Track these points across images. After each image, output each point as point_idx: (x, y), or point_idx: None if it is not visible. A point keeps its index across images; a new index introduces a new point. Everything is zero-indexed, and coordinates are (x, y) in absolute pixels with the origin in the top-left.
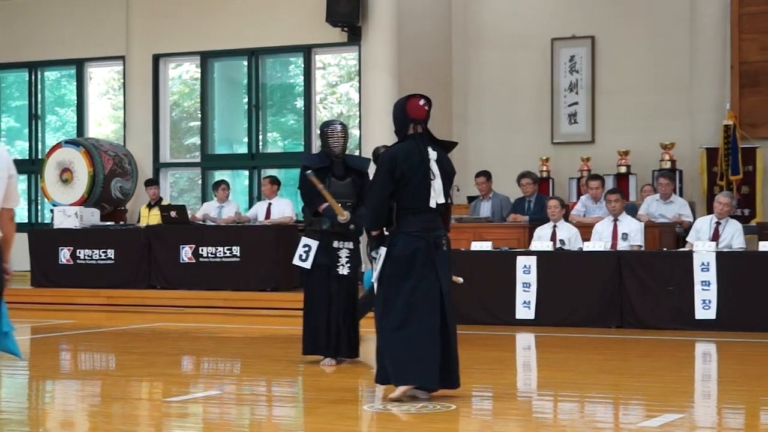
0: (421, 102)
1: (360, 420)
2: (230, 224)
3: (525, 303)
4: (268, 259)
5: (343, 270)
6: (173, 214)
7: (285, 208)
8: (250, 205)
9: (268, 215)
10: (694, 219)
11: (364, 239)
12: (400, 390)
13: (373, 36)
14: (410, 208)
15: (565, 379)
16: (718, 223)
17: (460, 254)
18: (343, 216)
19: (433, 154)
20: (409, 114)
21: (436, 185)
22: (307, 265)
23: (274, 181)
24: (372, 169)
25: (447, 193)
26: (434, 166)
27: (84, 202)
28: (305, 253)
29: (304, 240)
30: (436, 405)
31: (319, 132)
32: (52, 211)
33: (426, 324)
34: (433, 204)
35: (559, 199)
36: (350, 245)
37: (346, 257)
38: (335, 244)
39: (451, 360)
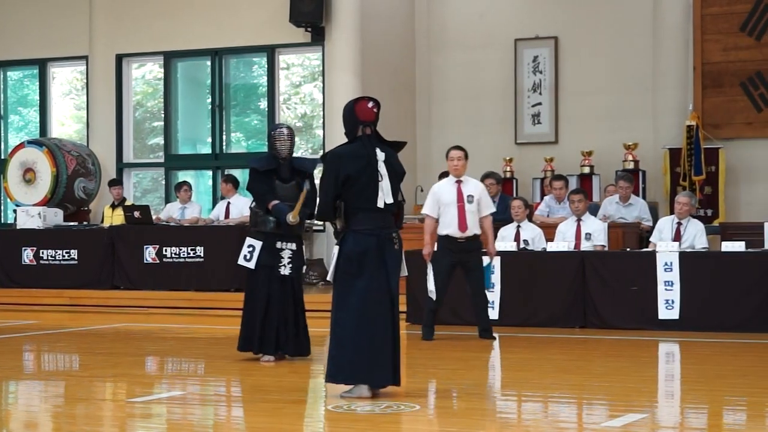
0: (370, 104)
1: (323, 420)
2: (193, 225)
3: (489, 303)
4: (231, 259)
5: (285, 270)
6: (137, 214)
7: (244, 206)
8: (214, 204)
9: (227, 215)
10: (656, 220)
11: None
12: (360, 389)
13: (337, 36)
14: (359, 207)
15: (528, 379)
16: (679, 224)
17: None
18: (294, 219)
19: (381, 155)
20: (358, 116)
21: (384, 185)
22: (251, 265)
23: (229, 180)
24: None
25: (397, 193)
26: (382, 167)
27: (47, 202)
28: (249, 253)
29: (249, 240)
30: (401, 405)
31: (267, 136)
32: (15, 211)
33: (379, 323)
34: (381, 204)
35: (523, 200)
36: (293, 246)
37: (289, 258)
38: (278, 245)
39: (396, 358)
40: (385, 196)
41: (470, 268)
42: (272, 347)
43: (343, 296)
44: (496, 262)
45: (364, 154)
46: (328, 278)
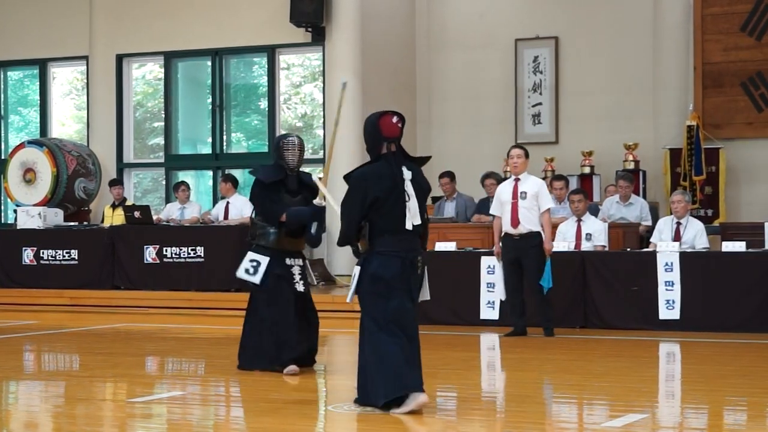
0: (395, 119)
1: (323, 420)
2: (194, 224)
3: (489, 303)
4: (232, 259)
5: (300, 287)
6: (137, 214)
7: (243, 206)
8: (215, 205)
9: (226, 215)
10: (656, 220)
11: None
12: (418, 401)
13: (337, 36)
14: (386, 229)
15: (529, 379)
16: (678, 223)
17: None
18: (320, 200)
19: (407, 174)
20: (383, 132)
21: (411, 206)
22: (257, 279)
23: (228, 179)
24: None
25: (423, 211)
26: (409, 187)
27: (47, 202)
28: (253, 267)
29: (252, 255)
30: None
31: (273, 145)
32: (15, 211)
33: (413, 337)
34: (409, 226)
35: None
36: (300, 262)
37: (299, 274)
38: (288, 261)
39: None
40: (412, 218)
41: (525, 266)
42: (311, 357)
43: (377, 318)
44: (496, 262)
45: (389, 174)
46: (348, 300)
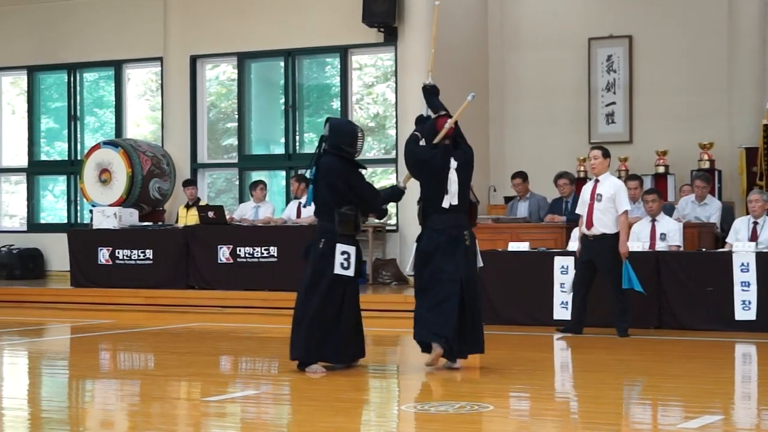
0: (448, 123)
1: (397, 420)
2: (266, 224)
3: (563, 304)
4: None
5: (350, 272)
6: (211, 214)
7: None
8: (287, 205)
9: (299, 214)
10: (732, 220)
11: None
12: (435, 353)
13: (410, 36)
14: (432, 207)
15: (602, 380)
16: (755, 223)
17: (498, 255)
18: (405, 184)
19: (454, 164)
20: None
21: (451, 190)
22: (351, 272)
23: (301, 179)
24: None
25: (467, 193)
26: (453, 174)
27: (123, 202)
28: (346, 260)
29: (341, 247)
30: (474, 405)
31: (344, 132)
32: (91, 211)
33: (450, 301)
34: (446, 205)
35: None
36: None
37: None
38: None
39: (477, 329)
40: (450, 199)
41: (599, 267)
42: (362, 352)
43: (423, 283)
44: (570, 262)
45: (440, 165)
46: (407, 270)
